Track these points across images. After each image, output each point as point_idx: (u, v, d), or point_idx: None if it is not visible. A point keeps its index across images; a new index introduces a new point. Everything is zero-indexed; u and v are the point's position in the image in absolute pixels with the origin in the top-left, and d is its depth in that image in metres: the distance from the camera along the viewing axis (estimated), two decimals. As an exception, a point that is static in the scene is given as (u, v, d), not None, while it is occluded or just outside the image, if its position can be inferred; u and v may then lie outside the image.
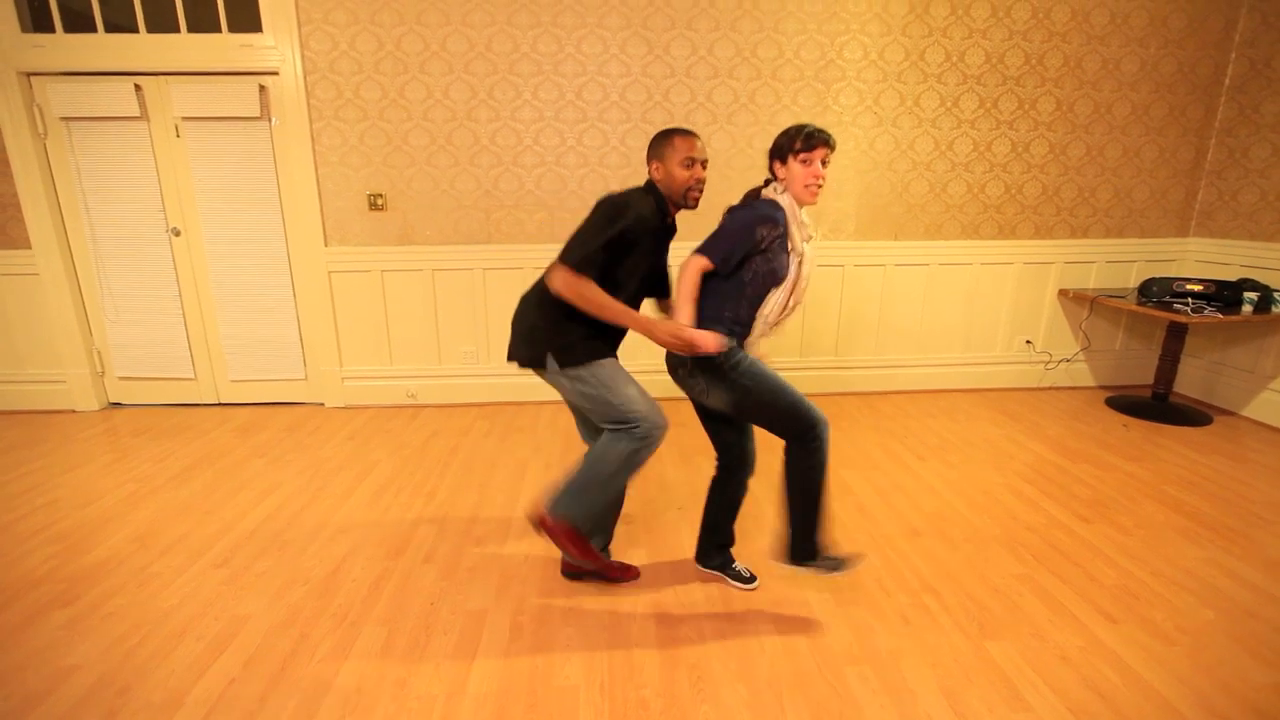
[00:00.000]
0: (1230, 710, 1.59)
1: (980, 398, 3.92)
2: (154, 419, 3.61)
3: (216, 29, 3.30)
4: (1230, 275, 3.64)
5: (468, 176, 3.54)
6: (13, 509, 2.58)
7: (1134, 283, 3.95)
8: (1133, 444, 3.21)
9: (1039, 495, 2.69)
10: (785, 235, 1.76)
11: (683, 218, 2.01)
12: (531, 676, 1.71)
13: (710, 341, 1.70)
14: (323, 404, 3.83)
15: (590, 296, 1.72)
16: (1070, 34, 3.57)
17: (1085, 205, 3.85)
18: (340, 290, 3.65)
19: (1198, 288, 3.40)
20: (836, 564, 1.88)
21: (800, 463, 1.81)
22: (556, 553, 2.24)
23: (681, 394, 1.93)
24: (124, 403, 3.83)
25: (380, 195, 3.53)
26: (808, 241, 1.80)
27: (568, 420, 3.51)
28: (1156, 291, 3.48)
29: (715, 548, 2.14)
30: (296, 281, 3.66)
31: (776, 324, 1.85)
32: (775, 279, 1.79)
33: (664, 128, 1.88)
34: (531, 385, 3.66)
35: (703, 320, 1.80)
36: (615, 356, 1.89)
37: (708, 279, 1.81)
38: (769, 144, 1.84)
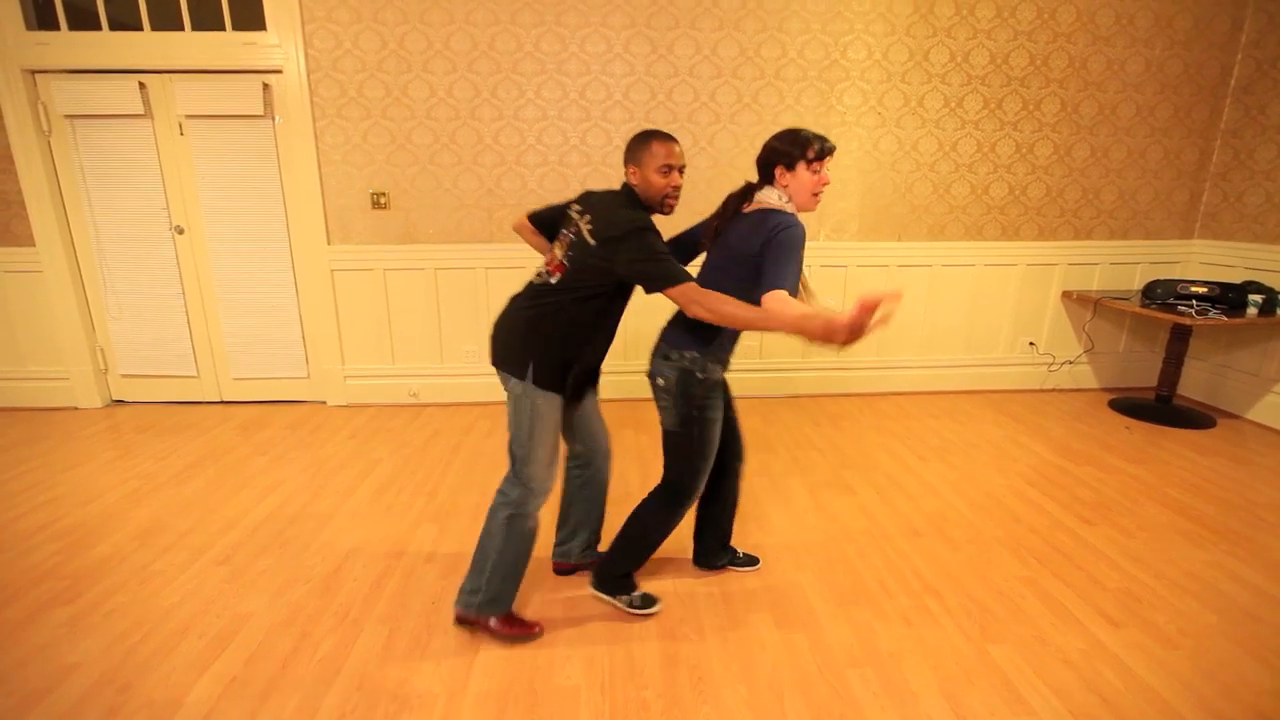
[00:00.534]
0: (1233, 715, 1.58)
1: (983, 399, 3.91)
2: (156, 416, 3.61)
3: (220, 27, 3.30)
4: (1235, 278, 3.63)
5: (470, 175, 3.54)
6: (14, 506, 2.59)
7: (1138, 285, 3.94)
8: (1136, 446, 3.20)
9: (1041, 497, 2.68)
10: None
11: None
12: (532, 676, 1.71)
13: (866, 312, 1.37)
14: (325, 402, 3.83)
15: (727, 311, 1.56)
16: (1075, 35, 3.55)
17: (1089, 207, 3.84)
18: (343, 289, 3.65)
19: (1202, 290, 3.38)
20: (642, 601, 1.96)
21: (657, 511, 1.88)
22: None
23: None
24: (126, 400, 3.84)
25: (383, 194, 3.53)
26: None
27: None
28: (1161, 294, 3.47)
29: (720, 546, 2.15)
30: (299, 280, 3.66)
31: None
32: (794, 283, 1.76)
33: (652, 129, 1.82)
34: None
35: (698, 349, 1.73)
36: (563, 396, 1.79)
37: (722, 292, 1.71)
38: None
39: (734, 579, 2.13)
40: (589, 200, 1.80)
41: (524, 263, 3.62)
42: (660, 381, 1.80)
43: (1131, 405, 3.70)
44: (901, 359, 3.99)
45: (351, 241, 3.59)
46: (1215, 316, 3.19)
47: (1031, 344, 4.03)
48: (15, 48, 3.26)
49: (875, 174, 3.68)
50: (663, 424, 1.84)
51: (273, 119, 3.44)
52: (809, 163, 1.70)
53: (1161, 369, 3.64)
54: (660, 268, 1.62)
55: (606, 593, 1.99)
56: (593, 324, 1.76)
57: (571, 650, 1.80)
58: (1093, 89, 3.64)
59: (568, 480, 2.11)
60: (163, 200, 3.53)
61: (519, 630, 1.86)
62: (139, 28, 3.28)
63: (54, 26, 3.28)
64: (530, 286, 1.79)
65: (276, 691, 1.65)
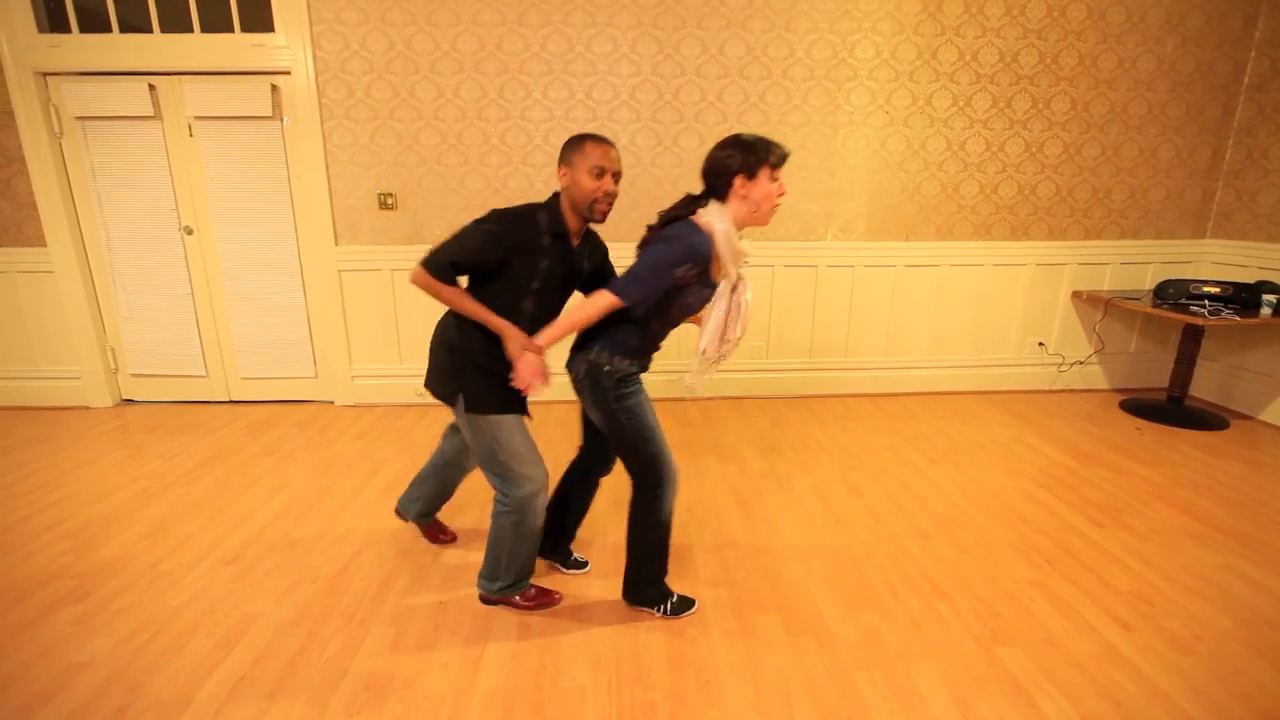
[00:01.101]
0: (1248, 720, 1.56)
1: (991, 400, 3.88)
2: (165, 416, 3.63)
3: (229, 29, 3.32)
4: (1248, 277, 3.59)
5: (478, 176, 3.54)
6: (24, 505, 2.61)
7: (1149, 285, 3.90)
8: (1147, 447, 3.16)
9: (1051, 499, 2.65)
10: (706, 269, 1.63)
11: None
12: (539, 677, 1.70)
13: (527, 379, 1.68)
14: (332, 402, 3.84)
15: (439, 291, 1.70)
16: (1085, 32, 3.52)
17: (1100, 206, 3.80)
18: (350, 289, 3.66)
19: (1215, 290, 3.35)
20: (678, 607, 1.94)
21: (640, 511, 1.85)
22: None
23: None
24: (136, 399, 3.86)
25: (390, 194, 3.53)
26: (740, 267, 1.66)
27: (575, 419, 3.50)
28: (1172, 294, 3.44)
29: (553, 545, 2.14)
30: (307, 280, 3.68)
31: (718, 359, 1.75)
32: (688, 311, 1.72)
33: (588, 132, 1.77)
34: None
35: (604, 344, 1.72)
36: (518, 412, 1.81)
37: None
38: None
39: (743, 581, 2.12)
40: None
41: (530, 263, 3.61)
42: (572, 374, 1.79)
43: (1142, 406, 3.67)
44: (909, 359, 3.97)
45: (359, 242, 3.60)
46: (1228, 317, 3.15)
47: (1041, 344, 4.00)
48: (27, 50, 3.29)
49: (883, 173, 3.66)
50: (597, 424, 1.82)
51: (281, 120, 3.45)
52: (772, 169, 1.61)
53: (1173, 369, 3.61)
54: (441, 247, 1.69)
55: (641, 605, 1.96)
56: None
57: (578, 651, 1.80)
58: (1103, 87, 3.61)
59: (443, 451, 2.20)
60: (172, 201, 3.55)
61: (542, 600, 1.97)
62: (148, 30, 3.30)
63: (65, 29, 3.30)
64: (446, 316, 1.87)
65: (284, 690, 1.65)
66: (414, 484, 2.27)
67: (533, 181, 3.56)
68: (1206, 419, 3.47)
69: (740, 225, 1.66)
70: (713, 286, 1.68)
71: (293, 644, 1.82)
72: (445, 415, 3.62)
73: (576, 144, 1.71)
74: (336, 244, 3.59)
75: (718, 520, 2.50)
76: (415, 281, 1.71)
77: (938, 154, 3.65)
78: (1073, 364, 4.02)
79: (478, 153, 3.51)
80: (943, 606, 1.99)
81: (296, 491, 2.73)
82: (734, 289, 1.68)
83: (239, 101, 3.37)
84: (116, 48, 3.30)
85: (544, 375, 1.71)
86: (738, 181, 1.62)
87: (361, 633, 1.87)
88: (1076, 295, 3.91)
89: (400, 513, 2.31)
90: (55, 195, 3.47)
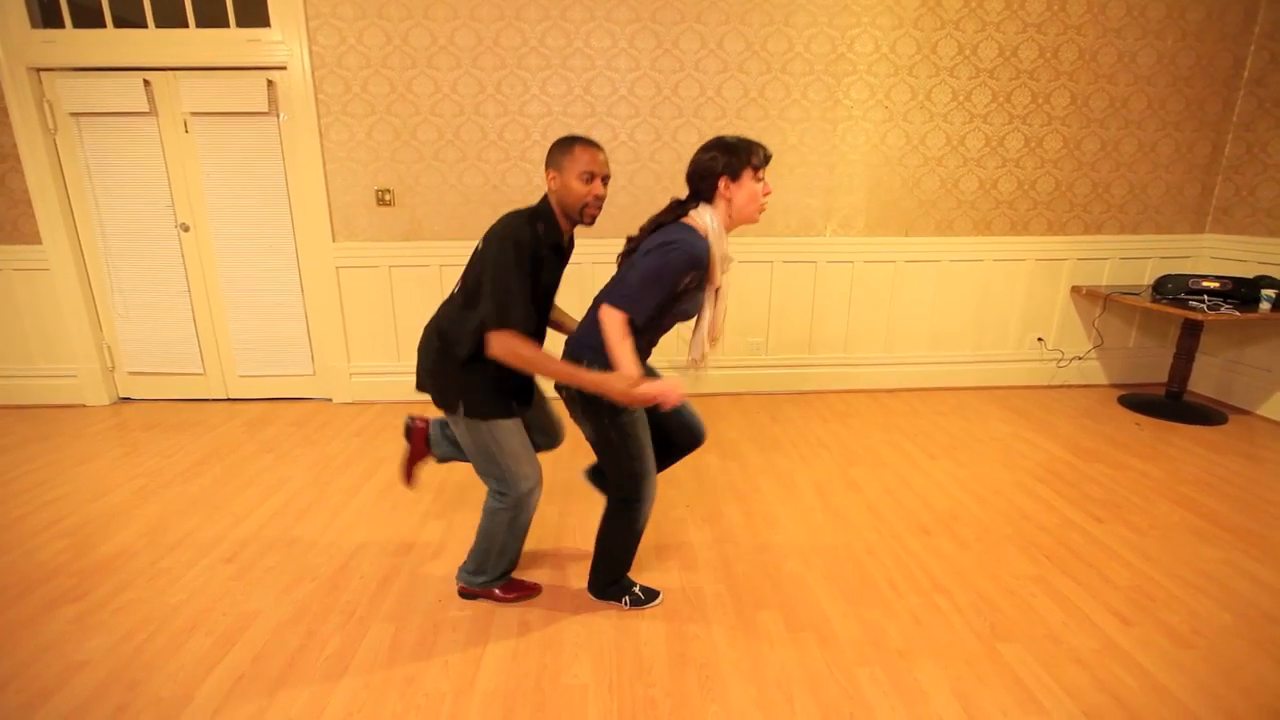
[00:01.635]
0: (1250, 716, 1.56)
1: (991, 395, 3.88)
2: (163, 414, 3.62)
3: (225, 24, 3.29)
4: (1247, 272, 3.59)
5: (475, 171, 3.53)
6: (23, 503, 2.60)
7: (1148, 279, 3.90)
8: (1146, 443, 3.17)
9: (1051, 494, 2.66)
10: (705, 274, 1.62)
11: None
12: (540, 675, 1.70)
13: (672, 395, 1.57)
14: (330, 399, 3.83)
15: (529, 357, 1.61)
16: (1085, 27, 3.51)
17: (1099, 201, 3.80)
18: (348, 286, 3.65)
19: (1214, 285, 3.35)
20: (642, 599, 1.95)
21: (615, 521, 1.85)
22: (560, 553, 2.23)
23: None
24: (133, 397, 3.85)
25: (388, 190, 3.52)
26: (726, 271, 1.67)
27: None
28: (1171, 289, 3.44)
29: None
30: (304, 277, 3.66)
31: (702, 359, 1.75)
32: (683, 318, 1.70)
33: (576, 135, 1.75)
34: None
35: (592, 358, 1.65)
36: (517, 415, 1.79)
37: (599, 300, 1.68)
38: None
39: (743, 577, 2.12)
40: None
41: (529, 259, 3.60)
42: (564, 392, 1.73)
43: (1141, 401, 3.67)
44: (909, 355, 3.96)
45: (357, 238, 3.59)
46: (1227, 311, 3.15)
47: (1040, 340, 4.00)
48: (21, 45, 3.26)
49: (883, 168, 3.65)
50: (586, 438, 1.78)
51: (277, 116, 3.43)
52: (755, 169, 1.61)
53: (1172, 365, 3.61)
54: (499, 304, 1.58)
55: (605, 599, 1.98)
56: None
57: (579, 648, 1.79)
58: (1103, 81, 3.60)
59: None
60: (168, 198, 3.53)
61: (521, 593, 1.99)
62: (143, 25, 3.28)
63: (59, 24, 3.27)
64: (444, 302, 1.83)
65: (284, 689, 1.64)
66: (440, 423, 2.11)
67: (530, 177, 3.54)
68: (1205, 414, 3.47)
69: (728, 227, 1.66)
70: (703, 290, 1.67)
71: (292, 642, 1.81)
72: (444, 412, 3.61)
73: (565, 148, 1.68)
74: (334, 240, 3.57)
75: (718, 517, 2.50)
76: (500, 355, 1.61)
77: (937, 149, 3.64)
78: (1072, 359, 4.02)
79: (476, 148, 3.49)
80: (943, 602, 1.99)
81: (295, 489, 2.72)
82: (718, 292, 1.68)
83: (235, 97, 3.35)
84: (111, 43, 3.28)
85: (681, 388, 1.60)
86: (722, 184, 1.62)
87: (361, 631, 1.86)
88: (1076, 290, 3.90)
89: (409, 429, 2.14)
90: (50, 192, 3.45)
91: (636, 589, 1.97)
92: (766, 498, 2.64)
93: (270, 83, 3.36)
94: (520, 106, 3.45)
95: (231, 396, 3.84)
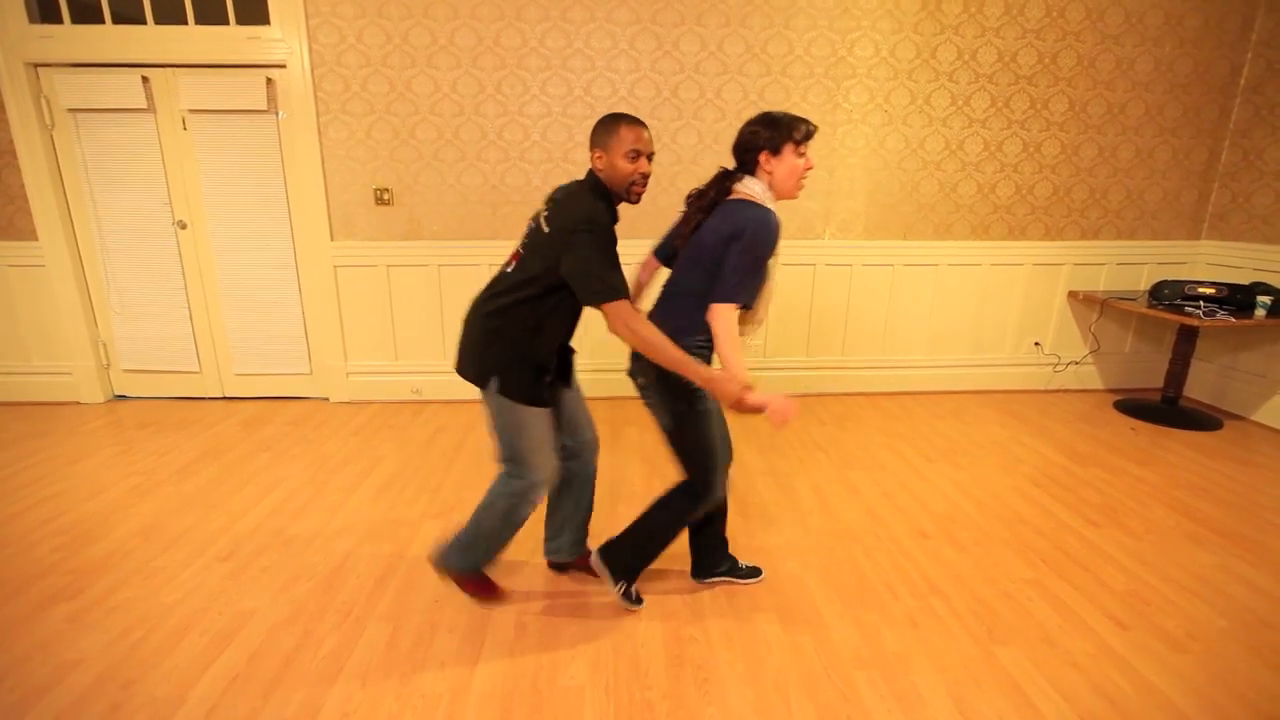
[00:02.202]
0: (1244, 720, 1.57)
1: (988, 399, 3.89)
2: (159, 412, 3.61)
3: (224, 21, 3.28)
4: (1243, 279, 3.60)
5: (474, 171, 3.52)
6: (18, 501, 2.58)
7: (1145, 285, 3.92)
8: (1142, 448, 3.18)
9: (1047, 499, 2.66)
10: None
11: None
12: (536, 676, 1.70)
13: (782, 416, 1.51)
14: (327, 399, 3.82)
15: (646, 335, 1.56)
16: (1084, 33, 3.53)
17: (1096, 206, 3.81)
18: (346, 285, 3.64)
19: (1210, 291, 3.36)
20: (631, 595, 1.94)
21: (675, 505, 1.84)
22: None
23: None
24: (129, 395, 3.83)
25: (387, 189, 3.51)
26: None
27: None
28: (1168, 294, 3.45)
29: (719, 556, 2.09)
30: (302, 276, 3.65)
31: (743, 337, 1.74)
32: (752, 296, 1.69)
33: (620, 113, 1.73)
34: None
35: (689, 335, 1.64)
36: (550, 404, 1.78)
37: (677, 291, 1.68)
38: None
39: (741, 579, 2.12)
40: (558, 190, 1.77)
41: (528, 260, 3.60)
42: (641, 380, 1.74)
43: (1137, 406, 3.69)
44: (907, 359, 3.97)
45: (355, 237, 3.58)
46: (1223, 317, 3.17)
47: (1037, 344, 4.01)
48: (18, 41, 3.25)
49: (881, 172, 3.66)
50: (660, 426, 1.79)
51: (276, 114, 3.42)
52: (796, 144, 1.63)
53: (1168, 370, 3.62)
54: (601, 281, 1.57)
55: (608, 568, 1.90)
56: (554, 322, 1.71)
57: (576, 650, 1.79)
58: (1101, 88, 3.62)
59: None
60: (165, 195, 3.52)
61: (484, 591, 1.97)
62: (142, 21, 3.27)
63: (57, 20, 3.26)
64: (491, 282, 1.76)
65: (279, 689, 1.64)
66: (547, 522, 2.10)
67: (529, 177, 3.54)
68: (1201, 419, 3.48)
69: (784, 198, 1.69)
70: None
71: (288, 642, 1.81)
72: (440, 411, 3.61)
73: (609, 127, 1.67)
74: (332, 239, 3.56)
75: (715, 518, 2.49)
76: (619, 331, 1.56)
77: (936, 153, 3.65)
78: (1068, 364, 4.03)
79: (475, 148, 3.49)
80: (940, 606, 1.99)
81: (291, 488, 2.71)
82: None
83: (233, 95, 3.34)
84: (109, 39, 3.27)
85: (794, 409, 1.57)
86: (763, 157, 1.65)
87: (357, 631, 1.86)
88: (1073, 295, 3.92)
89: (554, 562, 2.13)
90: (47, 188, 3.43)
91: (635, 588, 1.96)
92: (764, 500, 2.64)
93: (269, 80, 3.35)
94: (520, 107, 3.45)
95: (228, 395, 3.83)
